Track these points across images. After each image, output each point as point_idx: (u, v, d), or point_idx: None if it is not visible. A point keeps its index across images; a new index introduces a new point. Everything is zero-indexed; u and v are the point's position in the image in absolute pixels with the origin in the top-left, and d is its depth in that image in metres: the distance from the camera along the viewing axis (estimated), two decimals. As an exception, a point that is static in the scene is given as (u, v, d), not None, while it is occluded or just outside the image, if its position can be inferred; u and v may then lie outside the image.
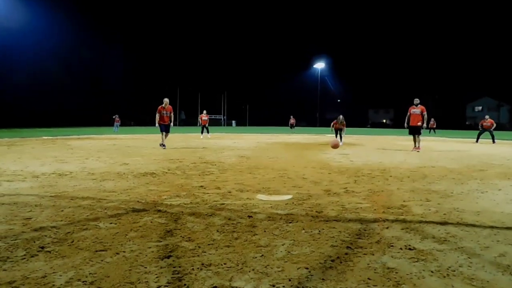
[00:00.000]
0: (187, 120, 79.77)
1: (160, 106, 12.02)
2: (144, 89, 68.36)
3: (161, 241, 2.63)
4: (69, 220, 3.15)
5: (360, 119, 78.01)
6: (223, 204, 3.83)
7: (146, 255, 2.36)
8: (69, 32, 54.44)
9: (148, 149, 11.28)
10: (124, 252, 2.42)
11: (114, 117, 31.95)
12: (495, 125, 18.35)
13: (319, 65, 68.75)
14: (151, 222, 3.12)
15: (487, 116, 19.01)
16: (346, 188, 4.84)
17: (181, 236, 2.74)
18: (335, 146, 10.37)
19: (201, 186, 4.84)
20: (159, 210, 3.50)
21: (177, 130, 34.58)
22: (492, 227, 3.09)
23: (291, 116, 32.88)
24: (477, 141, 17.88)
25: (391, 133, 32.85)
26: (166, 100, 12.11)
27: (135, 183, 4.99)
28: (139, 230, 2.89)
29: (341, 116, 15.67)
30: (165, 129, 12.02)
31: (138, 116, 61.47)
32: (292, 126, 32.88)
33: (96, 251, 2.43)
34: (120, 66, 64.64)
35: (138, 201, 3.92)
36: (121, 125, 33.73)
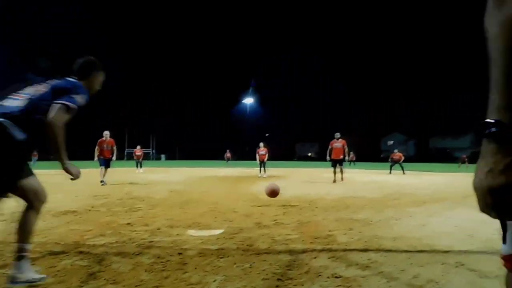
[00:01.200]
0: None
1: (100, 139, 11.55)
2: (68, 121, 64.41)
3: (82, 286, 2.44)
4: (-27, 269, 2.81)
5: (287, 152, 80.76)
6: (152, 241, 3.69)
7: (67, 302, 2.18)
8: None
9: (70, 185, 10.50)
10: (40, 300, 2.21)
11: None
12: (403, 158, 20.65)
13: (248, 100, 70.61)
14: (71, 265, 2.89)
15: (396, 150, 21.48)
16: (276, 220, 4.94)
17: (105, 279, 2.57)
18: (272, 193, 5.76)
19: (128, 224, 4.62)
20: (81, 252, 3.26)
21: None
22: (406, 251, 3.35)
23: (228, 150, 33.84)
24: (390, 172, 19.84)
25: (317, 165, 34.33)
26: (106, 132, 11.66)
27: (54, 223, 4.62)
28: (57, 275, 2.66)
29: (261, 143, 16.29)
30: (105, 164, 11.43)
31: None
32: (228, 160, 33.65)
33: (7, 301, 2.19)
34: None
35: (56, 242, 3.61)
36: (39, 159, 31.06)
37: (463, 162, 33.83)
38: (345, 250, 3.38)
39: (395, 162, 20.49)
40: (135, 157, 21.02)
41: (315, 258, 3.12)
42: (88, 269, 2.77)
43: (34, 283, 2.40)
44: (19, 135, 2.23)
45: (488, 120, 0.71)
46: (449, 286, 2.44)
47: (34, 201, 2.46)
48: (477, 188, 0.73)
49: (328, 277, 2.61)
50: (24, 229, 2.47)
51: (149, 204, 6.54)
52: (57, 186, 10.22)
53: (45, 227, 4.35)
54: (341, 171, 12.69)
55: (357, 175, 17.24)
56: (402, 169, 19.68)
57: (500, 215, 0.72)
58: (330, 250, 3.38)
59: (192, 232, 4.19)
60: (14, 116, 2.24)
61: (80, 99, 2.52)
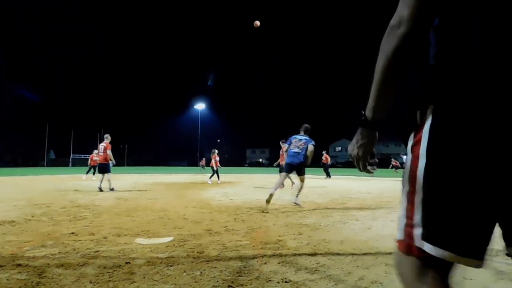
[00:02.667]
0: (57, 160, 72.51)
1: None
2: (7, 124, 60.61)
3: (20, 300, 2.29)
4: None
5: (238, 158, 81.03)
6: (98, 251, 3.53)
7: (1, 319, 2.03)
8: None
9: (8, 194, 9.81)
10: (-29, 318, 2.03)
11: None
12: (328, 160, 22.04)
13: (200, 106, 69.77)
14: (7, 279, 2.68)
15: (324, 152, 22.47)
16: (227, 226, 4.93)
17: (46, 292, 2.43)
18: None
19: (72, 233, 4.39)
20: (19, 265, 3.04)
21: (45, 171, 30.93)
22: (353, 254, 3.48)
23: (204, 158, 33.99)
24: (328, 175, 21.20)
25: (267, 171, 34.75)
26: (109, 136, 11.61)
27: (-13, 235, 4.28)
28: (-8, 290, 2.47)
29: (216, 150, 16.36)
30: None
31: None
32: (203, 167, 33.74)
33: None
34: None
35: (-10, 255, 3.35)
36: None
37: (394, 167, 31.20)
38: (294, 254, 3.45)
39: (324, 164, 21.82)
40: (91, 163, 19.53)
41: (265, 263, 3.15)
42: (27, 283, 2.59)
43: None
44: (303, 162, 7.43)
45: (362, 112, 1.13)
46: (392, 286, 2.57)
47: (303, 181, 7.69)
48: (348, 153, 1.22)
49: (278, 282, 2.65)
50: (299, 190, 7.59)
51: (95, 212, 6.27)
52: (-9, 194, 9.51)
53: (-23, 239, 4.03)
54: (290, 178, 12.99)
55: (306, 181, 17.63)
56: (327, 174, 21.31)
57: (361, 171, 1.20)
58: (280, 255, 3.43)
59: (140, 240, 4.07)
60: (304, 156, 7.41)
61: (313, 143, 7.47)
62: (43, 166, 62.63)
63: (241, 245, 3.85)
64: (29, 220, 5.37)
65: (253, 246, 3.81)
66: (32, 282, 2.61)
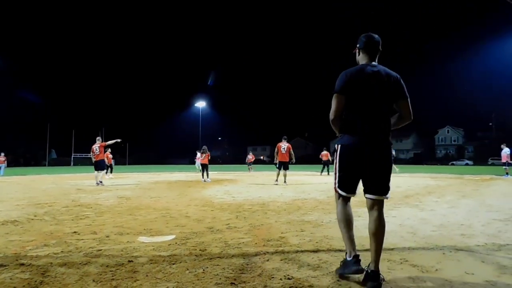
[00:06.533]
0: (59, 159, 72.59)
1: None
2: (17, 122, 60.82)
3: (24, 300, 2.29)
4: None
5: (240, 156, 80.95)
6: (100, 250, 3.54)
7: (6, 318, 2.03)
8: None
9: (10, 193, 9.84)
10: (-25, 318, 2.04)
11: None
12: (329, 157, 21.06)
13: (200, 104, 69.55)
14: (10, 279, 2.69)
15: (324, 148, 21.83)
16: (229, 224, 4.94)
17: (49, 291, 2.43)
18: None
19: (75, 232, 4.40)
20: (22, 264, 3.05)
21: (47, 171, 31.01)
22: (355, 250, 3.48)
23: (251, 153, 32.95)
24: (320, 173, 20.68)
25: (269, 169, 34.71)
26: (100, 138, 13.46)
27: (-10, 234, 4.29)
28: (-5, 289, 2.48)
29: (204, 147, 16.23)
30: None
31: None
32: (250, 164, 33.32)
33: None
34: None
35: (-7, 255, 3.36)
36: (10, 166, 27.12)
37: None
38: (297, 251, 3.45)
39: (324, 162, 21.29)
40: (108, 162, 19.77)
41: (267, 260, 3.15)
42: (30, 282, 2.60)
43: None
44: None
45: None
46: (395, 282, 2.57)
47: None
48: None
49: (280, 279, 2.65)
50: None
51: (97, 211, 6.28)
52: (-6, 194, 9.53)
53: (-20, 238, 4.04)
54: (285, 175, 13.28)
55: (307, 178, 17.64)
56: (328, 170, 20.75)
57: None
58: (282, 252, 3.43)
59: (142, 238, 4.08)
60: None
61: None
62: (45, 165, 62.81)
63: (243, 242, 3.86)
64: (32, 219, 5.39)
65: (256, 243, 3.82)
66: (36, 281, 2.61)
